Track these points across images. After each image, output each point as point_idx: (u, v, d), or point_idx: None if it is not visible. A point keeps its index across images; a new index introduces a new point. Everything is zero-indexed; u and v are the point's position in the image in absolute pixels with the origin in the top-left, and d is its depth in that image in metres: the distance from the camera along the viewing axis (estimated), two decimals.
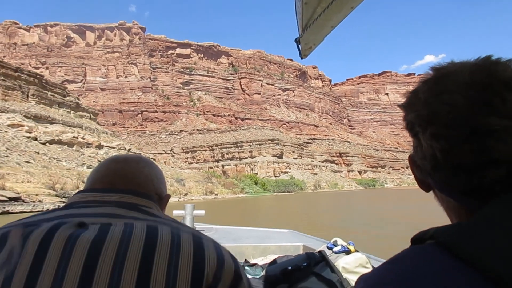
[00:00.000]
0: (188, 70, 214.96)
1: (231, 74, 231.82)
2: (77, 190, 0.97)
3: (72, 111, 69.65)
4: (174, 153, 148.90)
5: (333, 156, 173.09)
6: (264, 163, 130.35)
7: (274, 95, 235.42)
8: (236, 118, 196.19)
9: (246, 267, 2.00)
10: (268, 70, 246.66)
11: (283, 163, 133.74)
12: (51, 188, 37.99)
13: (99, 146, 64.41)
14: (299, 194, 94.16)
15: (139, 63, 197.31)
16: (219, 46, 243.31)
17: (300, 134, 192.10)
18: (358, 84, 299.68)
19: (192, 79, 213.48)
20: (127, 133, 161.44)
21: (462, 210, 0.57)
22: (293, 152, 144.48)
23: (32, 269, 0.63)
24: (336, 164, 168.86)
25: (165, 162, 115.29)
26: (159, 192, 0.90)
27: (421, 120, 0.59)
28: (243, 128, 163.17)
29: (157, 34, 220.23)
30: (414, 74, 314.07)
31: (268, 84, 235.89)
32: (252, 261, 2.28)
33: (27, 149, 50.44)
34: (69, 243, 0.66)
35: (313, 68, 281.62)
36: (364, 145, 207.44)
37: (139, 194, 0.81)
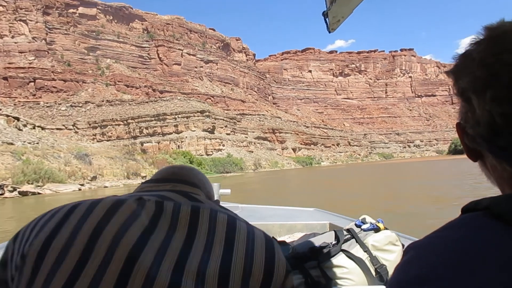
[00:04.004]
0: (94, 33, 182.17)
1: (147, 41, 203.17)
2: None
3: None
4: (78, 128, 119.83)
5: (266, 132, 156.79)
6: (193, 139, 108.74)
7: (196, 67, 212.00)
8: (154, 90, 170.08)
9: None
10: (189, 39, 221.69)
11: (215, 139, 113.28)
12: None
13: None
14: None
15: (30, 20, 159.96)
16: (131, 8, 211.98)
17: (227, 110, 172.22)
18: (281, 60, 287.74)
19: (99, 44, 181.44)
20: (15, 104, 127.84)
21: None
22: (226, 127, 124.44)
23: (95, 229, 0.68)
24: (270, 141, 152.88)
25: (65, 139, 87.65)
26: (210, 196, 0.94)
27: (478, 84, 0.53)
28: (165, 99, 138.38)
29: None
30: (336, 51, 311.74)
31: (189, 54, 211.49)
32: (279, 239, 2.21)
33: None
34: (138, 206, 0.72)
35: (237, 40, 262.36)
36: (294, 121, 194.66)
37: (191, 184, 0.87)
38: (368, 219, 1.92)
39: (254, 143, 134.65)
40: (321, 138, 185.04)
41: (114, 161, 44.87)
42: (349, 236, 1.82)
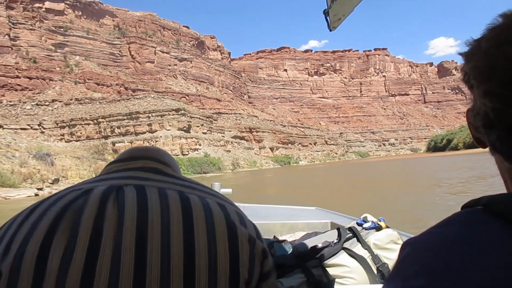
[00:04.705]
0: (62, 29, 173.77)
1: (118, 38, 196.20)
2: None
3: None
4: (44, 128, 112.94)
5: (243, 131, 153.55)
6: (168, 138, 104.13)
7: (169, 65, 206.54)
8: (126, 88, 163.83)
9: (275, 244, 1.99)
10: (162, 37, 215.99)
11: (191, 138, 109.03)
12: None
13: None
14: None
15: None
16: (101, 4, 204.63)
17: (202, 108, 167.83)
18: (256, 59, 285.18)
19: (67, 41, 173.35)
20: None
21: None
22: (202, 125, 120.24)
23: (92, 238, 0.62)
24: (247, 140, 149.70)
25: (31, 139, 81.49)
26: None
27: (477, 73, 0.50)
28: (137, 97, 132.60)
29: None
30: (312, 51, 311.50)
31: (163, 52, 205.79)
32: (281, 238, 2.26)
33: None
34: (119, 207, 0.66)
35: (211, 38, 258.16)
36: (271, 120, 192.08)
37: (161, 162, 0.83)
38: (370, 217, 1.91)
39: (231, 142, 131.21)
40: (298, 137, 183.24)
41: (81, 161, 39.91)
42: (351, 234, 1.82)
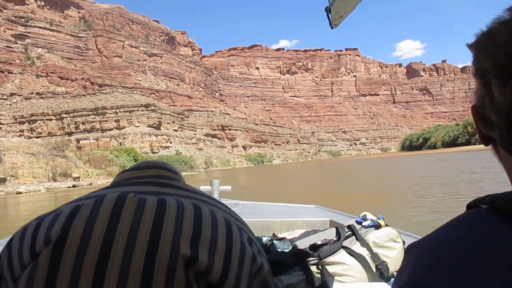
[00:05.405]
0: (23, 20, 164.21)
1: (84, 30, 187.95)
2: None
3: None
4: (2, 124, 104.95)
5: (215, 129, 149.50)
6: (137, 135, 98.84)
7: (139, 60, 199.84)
8: (92, 83, 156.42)
9: (274, 241, 2.02)
10: (131, 31, 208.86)
11: (162, 135, 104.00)
12: None
13: None
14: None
15: None
16: None
17: (173, 105, 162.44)
18: (228, 56, 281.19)
19: (28, 32, 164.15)
20: None
21: None
22: (173, 122, 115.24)
23: (108, 228, 0.64)
24: (219, 138, 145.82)
25: None
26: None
27: (500, 71, 0.46)
28: (104, 91, 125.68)
29: None
30: (283, 49, 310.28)
31: (132, 46, 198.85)
32: (280, 236, 2.28)
33: None
34: (140, 203, 0.68)
35: (182, 34, 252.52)
36: (243, 118, 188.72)
37: (171, 171, 0.85)
38: (369, 215, 1.91)
39: (204, 140, 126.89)
40: (271, 136, 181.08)
41: (36, 158, 34.66)
42: (350, 233, 1.82)
